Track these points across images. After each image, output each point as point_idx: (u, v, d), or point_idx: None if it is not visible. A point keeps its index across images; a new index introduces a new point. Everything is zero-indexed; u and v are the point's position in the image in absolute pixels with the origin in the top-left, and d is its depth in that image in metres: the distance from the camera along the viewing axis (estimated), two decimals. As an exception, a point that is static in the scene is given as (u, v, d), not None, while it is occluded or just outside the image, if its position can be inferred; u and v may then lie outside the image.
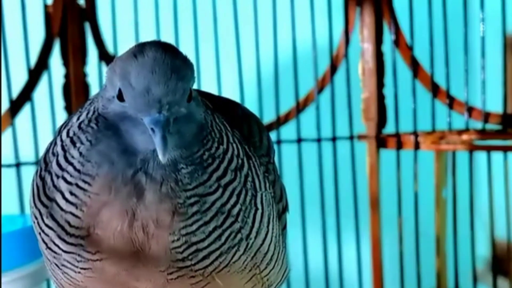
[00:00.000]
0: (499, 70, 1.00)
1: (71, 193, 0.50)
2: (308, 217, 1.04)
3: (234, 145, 0.55)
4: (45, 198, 0.52)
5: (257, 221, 0.55)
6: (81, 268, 0.52)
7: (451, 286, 1.04)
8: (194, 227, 0.50)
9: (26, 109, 0.96)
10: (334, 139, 1.05)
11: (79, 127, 0.52)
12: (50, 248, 0.53)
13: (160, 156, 0.47)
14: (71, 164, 0.50)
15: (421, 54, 1.03)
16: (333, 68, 1.05)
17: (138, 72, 0.48)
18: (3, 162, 0.92)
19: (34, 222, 0.54)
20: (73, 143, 0.51)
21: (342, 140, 1.06)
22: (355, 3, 1.03)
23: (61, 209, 0.50)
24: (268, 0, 1.02)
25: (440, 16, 1.02)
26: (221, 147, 0.54)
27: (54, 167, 0.51)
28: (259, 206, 0.55)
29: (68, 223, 0.50)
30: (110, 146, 0.50)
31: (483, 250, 1.13)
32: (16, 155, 0.95)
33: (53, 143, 0.54)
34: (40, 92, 0.97)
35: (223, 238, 0.52)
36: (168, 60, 0.49)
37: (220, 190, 0.52)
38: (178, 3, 0.99)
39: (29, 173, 0.95)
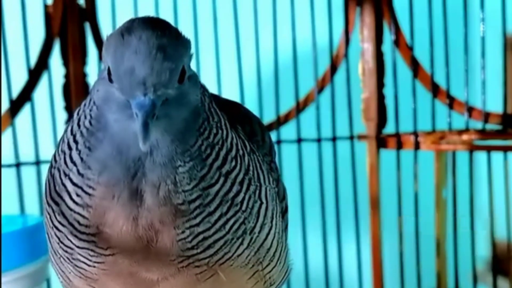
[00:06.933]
0: (499, 70, 1.00)
1: (77, 195, 0.51)
2: (308, 217, 1.04)
3: (234, 133, 0.54)
4: (55, 194, 0.52)
5: (262, 215, 0.55)
6: (95, 262, 0.52)
7: (451, 286, 1.04)
8: (198, 219, 0.51)
9: (26, 109, 0.96)
10: (334, 139, 1.05)
11: (78, 124, 0.52)
12: (63, 243, 0.53)
13: (140, 144, 0.46)
14: (75, 165, 0.51)
15: (421, 54, 1.03)
16: (333, 68, 1.05)
17: (122, 52, 0.46)
18: (3, 162, 0.92)
19: (46, 218, 0.55)
20: (75, 142, 0.51)
21: (342, 140, 1.06)
22: (355, 3, 1.03)
23: (70, 208, 0.51)
24: (268, 0, 1.02)
25: (440, 16, 1.01)
26: (219, 132, 0.52)
27: (62, 165, 0.52)
28: (263, 200, 0.55)
29: (78, 222, 0.51)
30: (105, 152, 0.50)
31: (483, 250, 1.13)
32: (16, 155, 0.95)
33: (62, 138, 0.54)
34: (40, 92, 0.97)
35: (227, 227, 0.52)
36: (154, 39, 0.46)
37: (222, 179, 0.51)
38: (178, 3, 0.99)
39: (29, 173, 0.95)
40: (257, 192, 0.54)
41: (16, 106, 0.95)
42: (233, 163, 0.53)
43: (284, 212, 0.63)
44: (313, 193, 1.04)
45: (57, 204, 0.52)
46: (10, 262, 0.74)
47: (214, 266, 0.53)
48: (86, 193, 0.50)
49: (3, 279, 0.73)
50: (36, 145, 0.96)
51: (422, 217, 1.03)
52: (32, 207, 0.95)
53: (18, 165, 0.95)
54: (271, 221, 0.56)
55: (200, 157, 0.51)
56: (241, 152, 0.54)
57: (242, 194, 0.53)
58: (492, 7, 1.00)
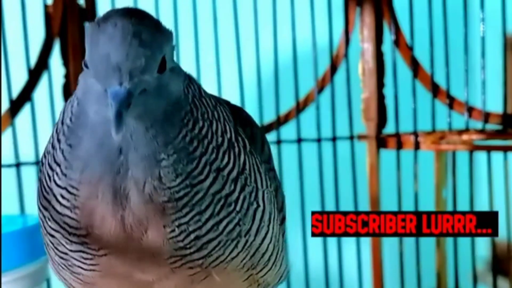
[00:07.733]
0: (499, 70, 1.00)
1: (63, 197, 0.50)
2: (308, 217, 1.03)
3: (228, 127, 0.52)
4: (44, 201, 0.51)
5: (258, 218, 0.53)
6: (90, 265, 0.51)
7: (451, 286, 1.04)
8: (187, 218, 0.49)
9: (26, 109, 0.96)
10: (334, 139, 1.05)
11: (62, 122, 0.51)
12: (58, 249, 0.52)
13: (113, 133, 0.44)
14: (58, 165, 0.50)
15: (421, 54, 1.03)
16: (333, 68, 1.05)
17: (97, 38, 0.46)
18: (3, 162, 0.91)
19: (41, 225, 0.54)
20: (59, 141, 0.50)
21: (342, 140, 1.06)
22: (355, 3, 1.03)
23: (58, 212, 0.50)
24: (268, 0, 1.02)
25: (440, 16, 1.01)
26: (206, 124, 0.50)
27: (47, 168, 0.51)
28: (260, 202, 0.54)
29: (68, 224, 0.50)
30: (86, 149, 0.49)
31: (483, 250, 1.13)
32: (16, 155, 0.95)
33: (49, 139, 0.53)
34: (40, 92, 0.97)
35: (220, 227, 0.50)
36: (130, 26, 0.45)
37: (212, 175, 0.50)
38: (178, 3, 0.99)
39: (29, 173, 0.95)
40: (254, 194, 0.53)
41: (16, 106, 0.95)
42: (226, 159, 0.51)
43: (282, 222, 0.62)
44: (313, 193, 1.04)
45: (46, 209, 0.51)
46: (10, 262, 0.74)
47: (208, 268, 0.52)
48: (70, 193, 0.49)
49: (3, 279, 0.73)
50: (36, 145, 0.96)
51: (422, 217, 1.03)
52: (32, 207, 0.93)
53: (18, 165, 0.95)
54: (268, 225, 0.55)
55: (186, 150, 0.49)
56: (237, 149, 0.52)
57: (236, 194, 0.51)
58: (492, 7, 1.00)
